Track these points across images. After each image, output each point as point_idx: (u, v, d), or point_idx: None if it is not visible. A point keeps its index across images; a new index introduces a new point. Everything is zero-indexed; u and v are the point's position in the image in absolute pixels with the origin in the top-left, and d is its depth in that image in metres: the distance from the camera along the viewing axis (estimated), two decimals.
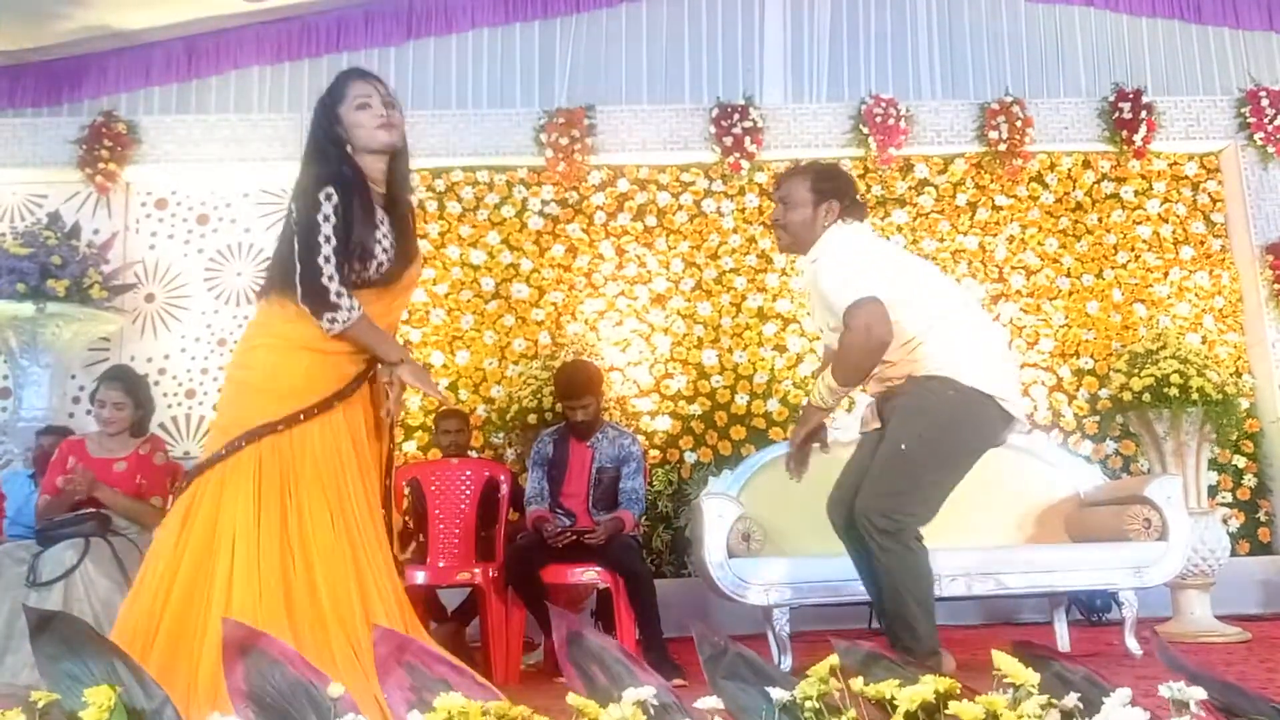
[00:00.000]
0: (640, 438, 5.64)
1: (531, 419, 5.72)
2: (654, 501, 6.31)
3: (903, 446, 3.02)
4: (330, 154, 2.71)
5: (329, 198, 2.59)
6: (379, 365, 2.72)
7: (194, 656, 2.32)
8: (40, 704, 1.60)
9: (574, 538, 4.34)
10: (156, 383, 6.47)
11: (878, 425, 3.22)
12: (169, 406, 6.56)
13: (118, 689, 1.59)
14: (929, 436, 3.03)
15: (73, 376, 6.50)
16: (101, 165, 6.58)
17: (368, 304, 2.66)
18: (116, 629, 2.48)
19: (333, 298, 2.56)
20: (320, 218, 2.57)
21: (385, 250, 2.69)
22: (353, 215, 2.61)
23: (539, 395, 5.76)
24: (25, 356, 5.90)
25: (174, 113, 6.88)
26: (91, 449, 4.22)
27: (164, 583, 2.44)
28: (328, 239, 2.56)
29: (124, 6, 6.36)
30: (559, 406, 4.99)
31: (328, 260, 2.55)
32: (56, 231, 5.99)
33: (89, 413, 4.99)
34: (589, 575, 4.36)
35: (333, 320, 2.56)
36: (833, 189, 3.13)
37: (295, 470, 2.55)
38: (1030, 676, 1.48)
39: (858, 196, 3.23)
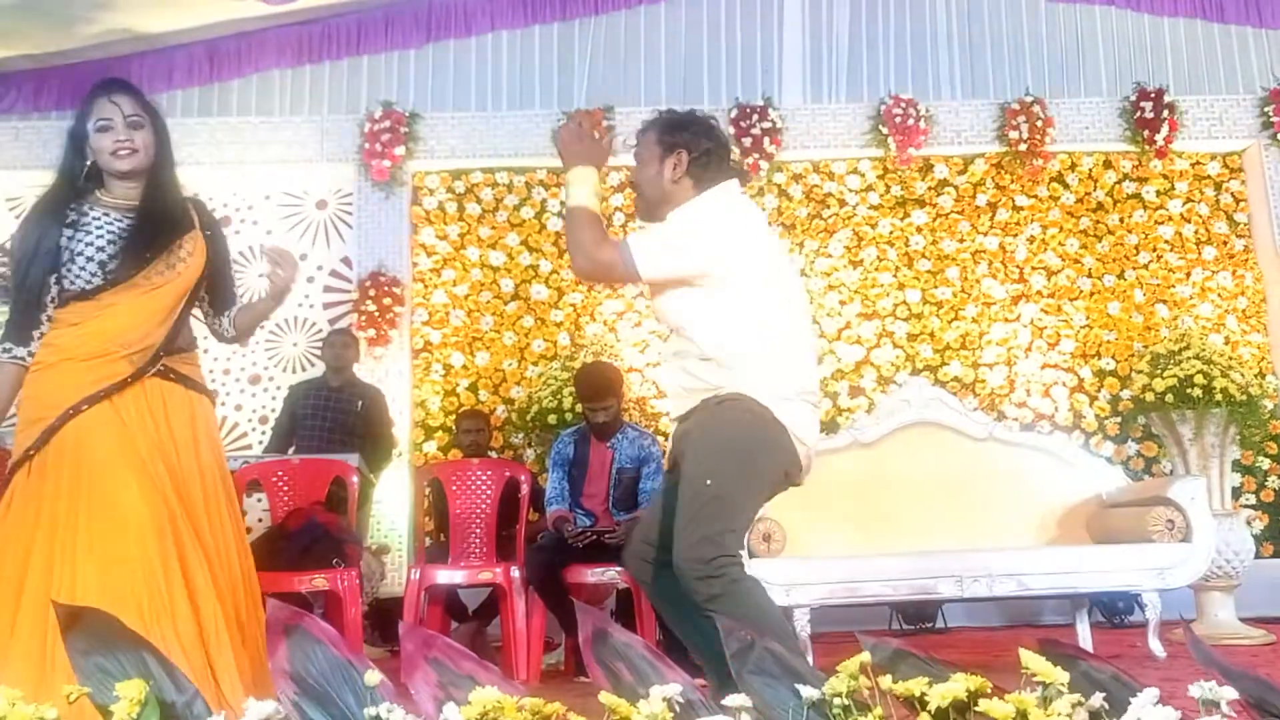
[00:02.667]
0: (660, 438, 5.64)
1: (551, 419, 5.73)
2: None
3: (708, 483, 2.51)
4: (61, 176, 2.68)
5: (21, 220, 2.66)
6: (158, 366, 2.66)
7: None
8: (72, 697, 1.61)
9: (594, 538, 4.35)
10: None
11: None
12: None
13: (149, 683, 1.60)
14: (729, 467, 2.53)
15: None
16: None
17: (119, 302, 2.61)
18: None
19: None
20: (7, 243, 2.67)
21: (102, 251, 2.60)
22: (48, 231, 2.59)
23: (559, 396, 5.77)
24: None
25: (196, 116, 6.92)
26: None
27: None
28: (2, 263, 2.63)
29: (146, 10, 6.40)
30: (579, 407, 5.01)
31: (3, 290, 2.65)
32: None
33: None
34: (609, 575, 4.36)
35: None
36: (677, 141, 2.67)
37: (44, 484, 2.51)
38: (1059, 675, 1.47)
39: (723, 151, 2.73)
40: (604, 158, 2.80)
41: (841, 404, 6.62)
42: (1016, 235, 6.87)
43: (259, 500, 5.26)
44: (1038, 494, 4.65)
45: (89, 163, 2.68)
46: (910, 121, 6.75)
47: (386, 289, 6.55)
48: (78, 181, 2.67)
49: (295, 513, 4.40)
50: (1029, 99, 6.84)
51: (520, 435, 6.41)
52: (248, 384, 6.78)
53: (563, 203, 6.87)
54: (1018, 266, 6.83)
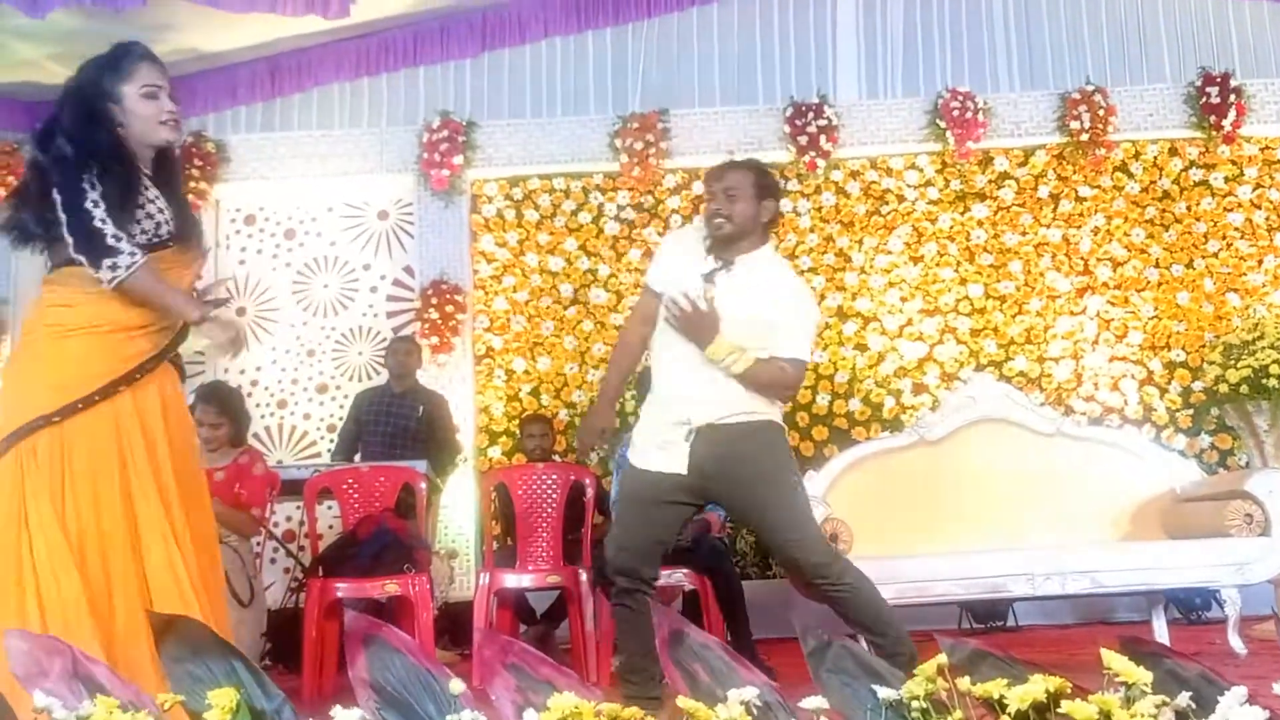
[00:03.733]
0: None
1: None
2: None
3: (795, 483, 3.04)
4: (95, 131, 2.54)
5: (88, 167, 2.46)
6: (181, 338, 2.61)
7: None
8: (166, 705, 1.66)
9: None
10: (249, 394, 6.64)
11: (680, 473, 3.00)
12: (261, 417, 6.73)
13: (239, 690, 1.65)
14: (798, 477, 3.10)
15: None
16: (192, 184, 6.77)
17: (162, 270, 2.55)
18: None
19: (109, 240, 2.40)
20: (86, 185, 2.44)
21: (161, 211, 2.57)
22: (118, 181, 2.49)
23: (620, 399, 5.78)
24: None
25: (259, 131, 7.06)
26: None
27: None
28: (96, 203, 2.43)
29: (209, 29, 6.54)
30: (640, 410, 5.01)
31: (96, 205, 2.42)
32: None
33: None
34: (676, 577, 4.38)
35: (114, 266, 2.41)
36: (772, 189, 3.11)
37: (70, 463, 2.42)
38: (1143, 675, 1.45)
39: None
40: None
41: (905, 401, 6.57)
42: (1080, 227, 6.76)
43: (329, 507, 5.34)
44: (1109, 489, 4.57)
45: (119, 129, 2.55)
46: (968, 114, 6.68)
47: (448, 297, 6.63)
48: (108, 144, 2.54)
49: (365, 520, 4.47)
50: (1090, 88, 6.73)
51: None
52: (315, 393, 6.90)
53: (621, 208, 6.90)
54: (1082, 258, 6.72)
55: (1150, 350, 6.59)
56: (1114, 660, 1.49)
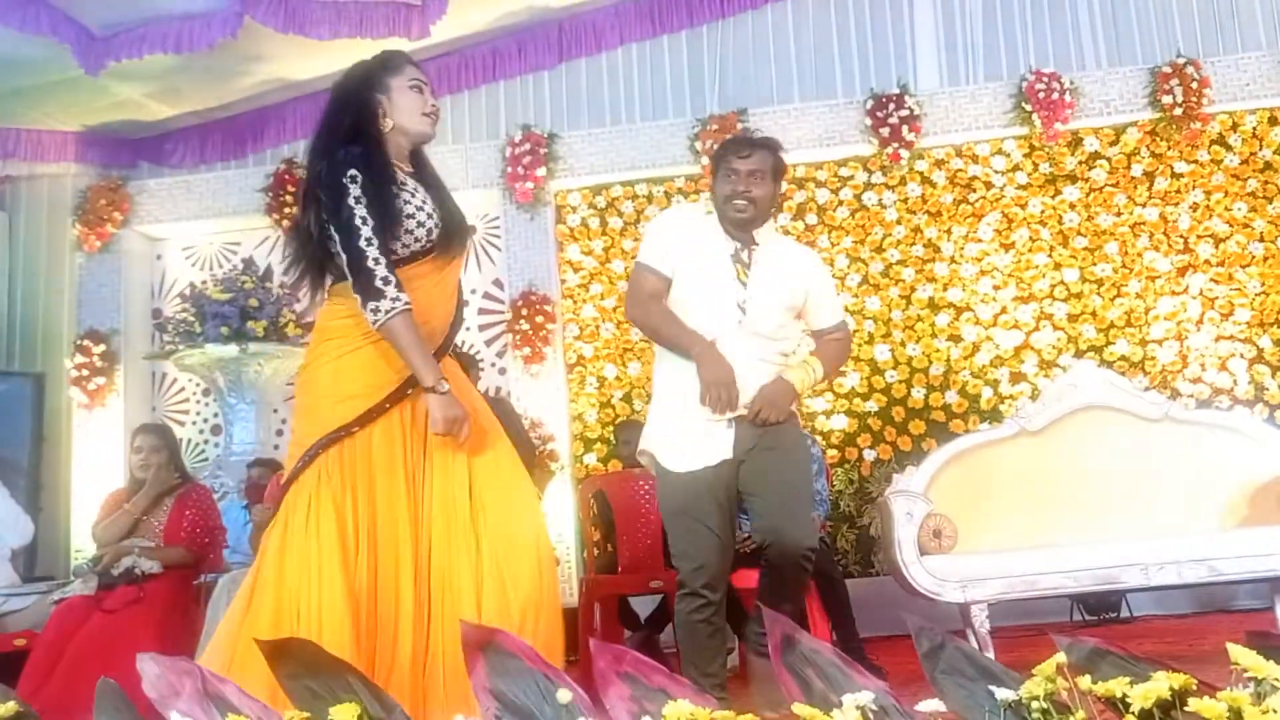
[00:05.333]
0: (817, 438, 5.60)
1: None
2: (836, 501, 6.25)
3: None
4: (354, 127, 2.62)
5: (354, 180, 2.50)
6: (455, 333, 2.69)
7: None
8: None
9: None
10: None
11: (728, 458, 3.03)
12: None
13: (360, 705, 1.69)
14: None
15: (275, 410, 6.90)
16: (287, 210, 6.96)
17: (424, 275, 2.59)
18: (218, 637, 2.47)
19: (378, 283, 2.45)
20: (351, 201, 2.49)
21: (429, 217, 2.59)
22: (383, 190, 2.53)
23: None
24: (232, 395, 6.30)
25: None
26: None
27: (269, 598, 2.42)
28: (364, 220, 2.47)
29: (295, 59, 6.72)
30: None
31: (369, 243, 2.47)
32: (251, 276, 6.37)
33: None
34: None
35: (375, 310, 2.45)
36: (785, 170, 3.11)
37: (358, 471, 2.49)
38: (1273, 670, 1.41)
39: None
40: None
41: (1003, 391, 6.45)
42: (1178, 204, 6.56)
43: None
44: (1222, 474, 4.41)
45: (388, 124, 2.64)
46: (1055, 96, 6.52)
47: (538, 307, 6.70)
48: (366, 142, 2.61)
49: None
50: (1181, 60, 6.52)
51: None
52: None
53: None
54: (1181, 236, 6.52)
55: (1259, 327, 6.36)
56: (1242, 655, 1.46)
